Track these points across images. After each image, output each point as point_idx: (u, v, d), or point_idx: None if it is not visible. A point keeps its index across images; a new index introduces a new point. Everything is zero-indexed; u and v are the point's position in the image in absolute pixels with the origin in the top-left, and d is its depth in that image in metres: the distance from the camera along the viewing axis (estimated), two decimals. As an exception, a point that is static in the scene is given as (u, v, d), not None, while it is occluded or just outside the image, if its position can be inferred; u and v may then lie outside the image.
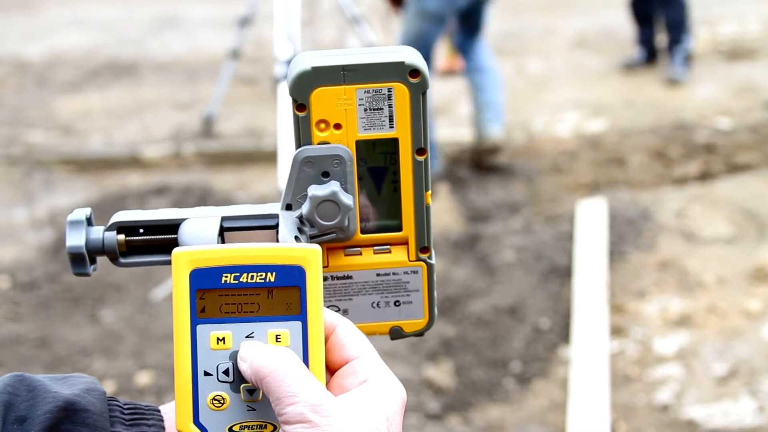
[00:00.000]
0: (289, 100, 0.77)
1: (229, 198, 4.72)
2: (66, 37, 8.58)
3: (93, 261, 0.79)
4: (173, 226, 0.78)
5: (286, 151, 3.82)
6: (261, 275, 0.71)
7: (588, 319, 3.44)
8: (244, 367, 0.70)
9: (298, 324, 0.71)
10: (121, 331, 3.67)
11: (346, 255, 0.81)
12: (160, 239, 0.78)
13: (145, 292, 3.94)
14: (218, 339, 0.71)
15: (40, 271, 4.15)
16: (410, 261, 0.82)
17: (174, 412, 0.78)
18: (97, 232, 0.78)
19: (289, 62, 4.06)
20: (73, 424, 0.73)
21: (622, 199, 4.46)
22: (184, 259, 0.71)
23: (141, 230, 0.78)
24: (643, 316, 3.53)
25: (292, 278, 0.71)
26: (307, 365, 0.71)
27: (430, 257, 0.82)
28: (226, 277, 0.71)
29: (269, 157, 4.97)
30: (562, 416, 3.03)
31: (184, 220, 0.78)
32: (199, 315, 0.71)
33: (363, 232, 0.80)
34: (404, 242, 0.81)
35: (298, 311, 0.71)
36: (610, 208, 4.30)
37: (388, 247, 0.81)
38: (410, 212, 0.80)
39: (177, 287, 0.72)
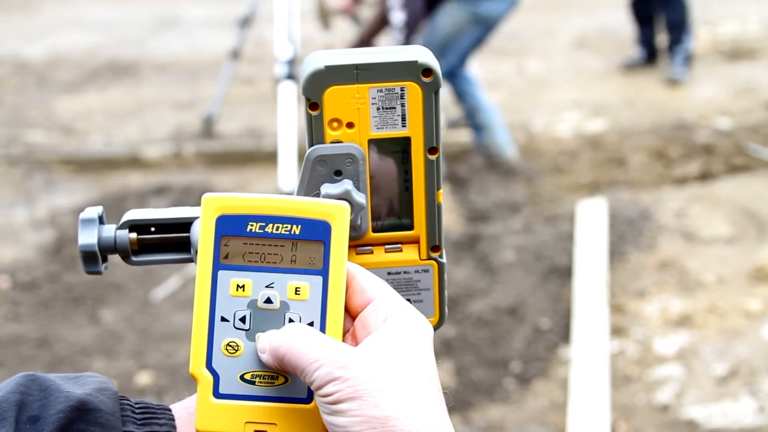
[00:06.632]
0: (302, 98, 0.77)
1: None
2: (66, 37, 8.58)
3: (105, 259, 0.79)
4: (185, 225, 0.78)
5: (286, 151, 3.82)
6: (287, 227, 0.72)
7: (588, 319, 3.45)
8: (264, 357, 0.71)
9: (319, 279, 0.72)
10: (121, 331, 3.67)
11: (357, 254, 0.81)
12: (172, 237, 0.78)
13: (145, 292, 3.94)
14: (238, 286, 0.72)
15: (40, 271, 4.15)
16: (421, 260, 0.82)
17: (185, 411, 0.78)
18: (109, 231, 0.78)
19: (289, 62, 4.07)
20: (85, 424, 0.73)
21: (622, 199, 4.47)
22: (212, 205, 0.72)
23: (153, 228, 0.79)
24: (643, 316, 3.53)
25: (317, 233, 0.72)
26: (325, 320, 0.72)
27: (441, 256, 0.82)
28: (252, 225, 0.72)
29: (269, 157, 4.97)
30: (562, 416, 3.03)
31: (196, 218, 0.78)
32: (222, 261, 0.72)
33: (375, 230, 0.81)
34: (415, 241, 0.81)
35: (320, 266, 0.72)
36: (610, 208, 4.30)
37: (400, 245, 0.81)
38: (422, 211, 0.80)
39: (203, 232, 0.72)
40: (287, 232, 0.72)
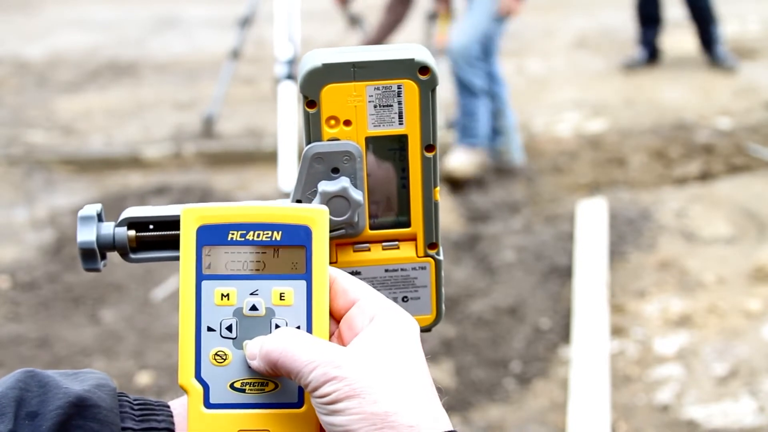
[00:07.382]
0: (300, 96, 0.77)
1: (230, 198, 4.72)
2: (66, 37, 8.58)
3: (103, 256, 0.79)
4: None
5: (287, 151, 3.82)
6: (267, 234, 0.72)
7: (588, 319, 3.45)
8: (255, 363, 0.71)
9: (303, 283, 0.73)
10: (121, 331, 3.67)
11: (354, 251, 0.81)
12: (170, 235, 0.78)
13: (145, 292, 3.94)
14: (222, 295, 0.72)
15: (40, 271, 4.15)
16: (418, 257, 0.82)
17: (184, 408, 0.78)
18: (108, 228, 0.78)
19: (289, 62, 4.07)
20: (83, 420, 0.73)
21: (622, 199, 4.47)
22: (191, 216, 0.73)
23: (151, 226, 0.79)
24: (643, 316, 3.53)
25: (298, 238, 0.72)
26: (311, 323, 0.72)
27: (437, 253, 0.83)
28: (233, 234, 0.72)
29: (269, 157, 4.97)
30: (562, 416, 3.03)
31: None
32: (205, 271, 0.72)
33: (372, 228, 0.81)
34: (412, 238, 0.82)
35: (303, 270, 0.73)
36: (610, 208, 4.31)
37: (397, 243, 0.82)
38: (419, 208, 0.81)
39: (184, 243, 0.73)
40: (268, 239, 0.72)
